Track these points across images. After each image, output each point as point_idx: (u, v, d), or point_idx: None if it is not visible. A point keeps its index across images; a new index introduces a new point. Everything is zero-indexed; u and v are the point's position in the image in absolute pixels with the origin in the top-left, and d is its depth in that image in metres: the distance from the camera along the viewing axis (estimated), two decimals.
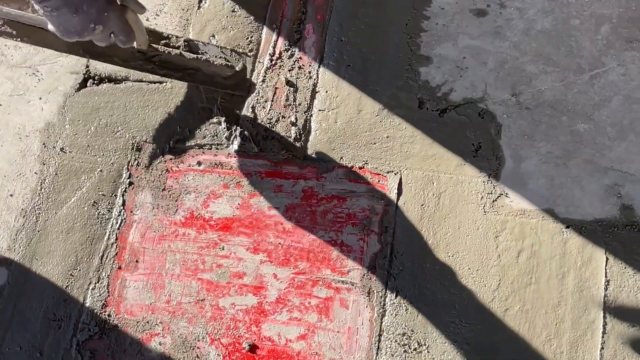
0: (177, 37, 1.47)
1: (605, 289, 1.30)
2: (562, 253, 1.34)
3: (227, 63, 1.49)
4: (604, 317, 1.29)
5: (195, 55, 1.46)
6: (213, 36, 1.61)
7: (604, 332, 1.28)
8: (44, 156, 1.53)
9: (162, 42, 1.46)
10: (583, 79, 1.46)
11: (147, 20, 1.63)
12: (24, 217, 1.48)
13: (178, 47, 1.46)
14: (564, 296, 1.31)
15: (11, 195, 1.50)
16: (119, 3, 1.24)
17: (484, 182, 1.41)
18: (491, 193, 1.40)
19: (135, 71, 1.52)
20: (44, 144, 1.53)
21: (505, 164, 1.42)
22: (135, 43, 1.33)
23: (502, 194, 1.40)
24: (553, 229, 1.36)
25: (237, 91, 1.54)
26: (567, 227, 1.36)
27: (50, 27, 1.17)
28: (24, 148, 1.54)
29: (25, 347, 1.38)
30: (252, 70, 1.57)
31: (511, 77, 1.49)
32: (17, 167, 1.52)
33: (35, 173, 1.51)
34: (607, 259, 1.32)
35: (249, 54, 1.58)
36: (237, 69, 1.50)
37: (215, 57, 1.48)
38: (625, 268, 1.31)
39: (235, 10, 1.63)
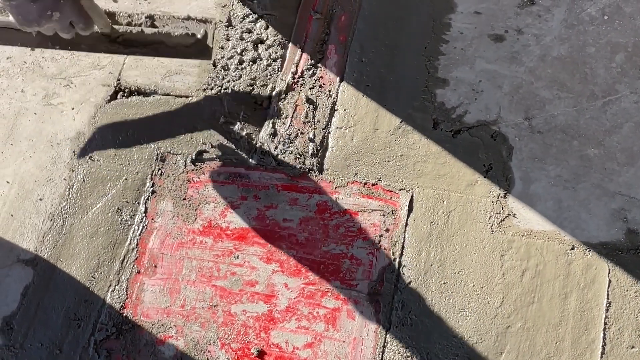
0: (138, 14, 1.63)
1: (607, 310, 1.42)
2: (565, 274, 1.46)
3: (188, 32, 1.61)
4: (604, 337, 1.40)
5: (155, 30, 1.61)
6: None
7: (602, 353, 1.39)
8: (73, 163, 1.71)
9: (125, 22, 1.63)
10: (596, 105, 1.60)
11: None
12: (51, 220, 1.66)
13: (140, 25, 1.62)
14: (566, 316, 1.43)
15: (40, 200, 1.68)
16: None
17: (493, 202, 1.55)
18: (499, 213, 1.54)
19: (163, 85, 1.71)
20: (74, 151, 1.72)
21: (514, 185, 1.56)
22: (96, 27, 1.49)
23: (510, 214, 1.53)
24: (558, 250, 1.48)
25: (200, 58, 1.67)
26: (572, 248, 1.48)
27: (11, 18, 1.31)
28: (54, 155, 1.73)
29: (46, 344, 1.54)
30: (214, 37, 1.67)
31: (525, 101, 1.63)
32: (47, 173, 1.71)
33: (64, 179, 1.70)
34: (609, 281, 1.44)
35: (210, 20, 1.67)
36: (198, 36, 1.63)
37: (177, 27, 1.63)
38: (627, 291, 1.43)
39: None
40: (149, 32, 1.61)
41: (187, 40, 1.63)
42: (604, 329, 1.40)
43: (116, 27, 1.60)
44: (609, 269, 1.44)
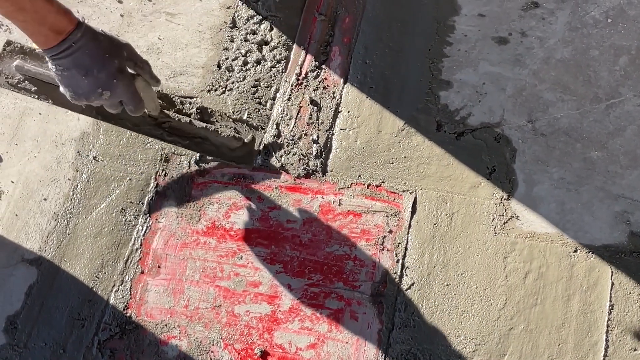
0: (190, 102, 1.63)
1: (609, 313, 1.43)
2: (568, 276, 1.47)
3: (236, 135, 1.61)
4: (607, 340, 1.41)
5: (204, 125, 1.59)
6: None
7: (605, 355, 1.40)
8: (77, 163, 1.72)
9: (176, 108, 1.61)
10: (599, 108, 1.61)
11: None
12: (55, 220, 1.67)
13: (190, 115, 1.61)
14: (568, 318, 1.44)
15: (45, 200, 1.69)
16: (130, 72, 1.34)
17: (496, 204, 1.56)
18: (502, 215, 1.55)
19: (168, 86, 1.72)
20: (78, 152, 1.73)
21: (518, 187, 1.57)
22: (145, 110, 1.45)
23: (513, 217, 1.54)
24: (561, 252, 1.49)
25: (242, 164, 1.65)
26: (575, 251, 1.49)
27: (61, 88, 1.26)
28: (59, 155, 1.74)
29: (50, 344, 1.55)
30: (260, 143, 1.68)
31: (529, 104, 1.64)
32: (52, 173, 1.72)
33: (69, 179, 1.71)
34: (612, 283, 1.45)
35: (260, 128, 1.68)
36: (245, 140, 1.64)
37: (226, 127, 1.62)
38: (630, 293, 1.44)
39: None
40: (198, 126, 1.59)
41: (233, 143, 1.62)
42: (607, 332, 1.41)
43: (166, 112, 1.57)
44: (612, 272, 1.45)
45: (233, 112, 1.70)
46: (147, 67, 1.37)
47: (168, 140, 1.59)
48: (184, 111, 1.62)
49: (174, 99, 1.64)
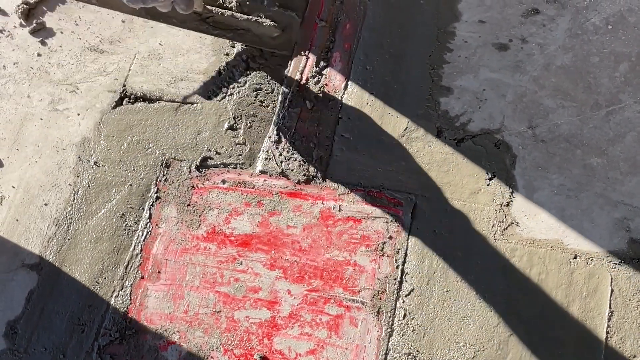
0: None
1: (609, 320, 1.44)
2: (568, 283, 1.48)
3: (275, 24, 1.74)
4: (606, 346, 1.42)
5: (245, 17, 1.73)
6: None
7: None
8: (78, 169, 1.73)
9: (217, 3, 1.75)
10: (599, 115, 1.62)
11: None
12: (56, 225, 1.68)
13: (230, 8, 1.75)
14: (568, 325, 1.45)
15: (45, 205, 1.71)
16: None
17: (496, 210, 1.56)
18: (502, 221, 1.55)
19: (169, 91, 1.74)
20: (79, 157, 1.74)
21: (517, 193, 1.57)
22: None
23: (512, 223, 1.55)
24: (561, 258, 1.50)
25: (283, 50, 1.78)
26: (575, 257, 1.50)
27: None
28: (60, 160, 1.75)
29: (50, 349, 1.56)
30: (298, 31, 1.78)
31: (529, 110, 1.65)
32: (52, 179, 1.73)
33: (69, 185, 1.72)
34: (612, 290, 1.46)
35: (296, 15, 1.81)
36: (282, 28, 1.75)
37: (265, 16, 1.75)
38: (629, 300, 1.44)
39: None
40: (240, 18, 1.74)
41: (272, 31, 1.76)
42: (606, 338, 1.41)
43: (209, 7, 1.73)
44: (612, 278, 1.46)
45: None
46: None
47: (214, 34, 1.75)
48: (224, 5, 1.77)
49: None
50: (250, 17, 1.74)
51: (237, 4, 1.77)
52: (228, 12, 1.74)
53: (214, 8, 1.73)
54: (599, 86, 1.63)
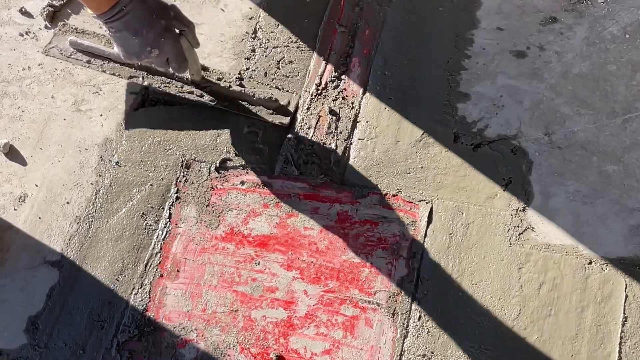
0: (230, 74, 1.77)
1: (623, 325, 1.46)
2: (583, 288, 1.50)
3: (272, 97, 1.74)
4: (620, 352, 1.43)
5: (241, 89, 1.73)
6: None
7: None
8: (100, 168, 1.77)
9: (216, 77, 1.77)
10: (616, 122, 1.64)
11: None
12: (77, 223, 1.72)
13: (230, 82, 1.75)
14: (582, 329, 1.47)
15: (68, 203, 1.74)
16: (176, 32, 1.49)
17: (511, 215, 1.59)
18: (518, 226, 1.58)
19: (189, 95, 1.79)
20: (101, 157, 1.78)
21: (533, 199, 1.60)
22: (188, 72, 1.61)
23: (528, 228, 1.57)
24: (576, 264, 1.52)
25: (279, 120, 1.75)
26: (590, 263, 1.52)
27: (115, 48, 1.44)
28: (82, 160, 1.79)
29: (70, 344, 1.59)
30: (296, 108, 1.78)
31: (545, 117, 1.68)
32: (75, 178, 1.77)
33: (91, 184, 1.76)
34: (626, 296, 1.48)
35: (295, 93, 1.79)
36: (281, 102, 1.74)
37: (262, 92, 1.74)
38: None
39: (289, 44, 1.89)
40: (235, 89, 1.75)
41: (269, 104, 1.75)
42: (620, 343, 1.43)
43: (207, 78, 1.75)
44: (626, 284, 1.48)
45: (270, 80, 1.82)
46: (192, 27, 1.54)
47: (209, 101, 1.75)
48: (223, 79, 1.78)
49: (212, 70, 1.80)
50: (247, 89, 1.75)
51: (237, 79, 1.79)
52: (225, 84, 1.77)
53: (212, 78, 1.77)
54: (616, 94, 1.66)
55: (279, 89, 1.79)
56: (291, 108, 1.77)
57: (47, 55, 1.88)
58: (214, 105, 1.74)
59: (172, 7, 1.46)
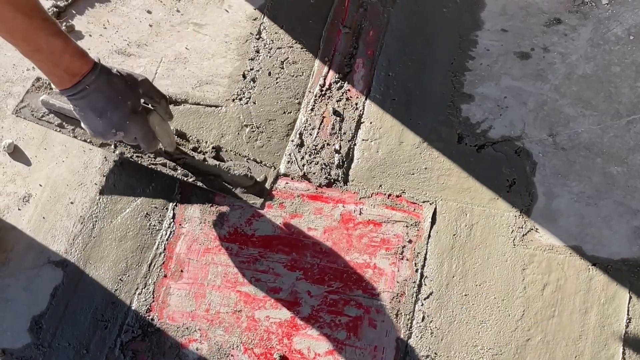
0: (206, 142, 1.72)
1: (627, 326, 1.46)
2: (586, 289, 1.50)
3: (248, 174, 1.65)
4: (623, 353, 1.44)
5: (217, 163, 1.65)
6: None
7: None
8: (104, 169, 1.78)
9: (191, 146, 1.71)
10: (620, 124, 1.64)
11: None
12: (81, 223, 1.72)
13: (205, 153, 1.69)
14: (585, 330, 1.47)
15: (72, 203, 1.75)
16: (145, 108, 1.41)
17: (515, 216, 1.59)
18: (522, 227, 1.58)
19: (194, 94, 1.79)
20: (105, 157, 1.79)
21: (537, 200, 1.60)
22: (161, 145, 1.53)
23: (532, 229, 1.58)
24: (579, 265, 1.52)
25: (254, 203, 1.68)
26: (594, 264, 1.52)
27: (82, 124, 1.35)
28: (86, 160, 1.79)
29: (73, 344, 1.60)
30: (273, 183, 1.71)
31: (549, 118, 1.68)
32: (79, 178, 1.78)
33: (95, 184, 1.76)
34: (630, 297, 1.48)
35: (272, 167, 1.72)
36: (257, 179, 1.67)
37: (239, 166, 1.67)
38: None
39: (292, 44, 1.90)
40: (210, 164, 1.66)
41: (245, 181, 1.67)
42: (624, 345, 1.43)
43: (181, 149, 1.68)
44: (630, 285, 1.48)
45: (248, 143, 1.76)
46: (164, 103, 1.44)
47: (180, 174, 1.66)
48: (199, 149, 1.71)
49: (189, 137, 1.74)
50: (222, 164, 1.66)
51: (213, 150, 1.70)
52: (200, 156, 1.67)
53: (186, 150, 1.68)
54: (620, 95, 1.66)
55: (257, 162, 1.73)
56: (267, 185, 1.70)
57: (17, 116, 1.74)
58: (185, 180, 1.67)
59: (142, 83, 1.36)
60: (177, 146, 1.67)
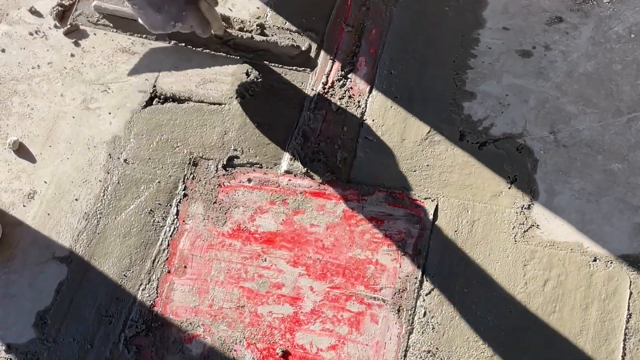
0: (250, 21, 1.85)
1: (627, 322, 1.47)
2: (587, 285, 1.51)
3: (294, 44, 1.82)
4: (624, 348, 1.45)
5: (264, 38, 1.81)
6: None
7: None
8: (108, 166, 1.79)
9: (238, 27, 1.85)
10: (621, 121, 1.65)
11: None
12: (86, 220, 1.74)
13: (251, 31, 1.83)
14: (586, 326, 1.48)
15: (76, 200, 1.77)
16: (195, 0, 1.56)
17: (516, 212, 1.60)
18: (523, 224, 1.59)
19: (197, 92, 1.81)
20: (109, 154, 1.80)
21: (538, 197, 1.61)
22: (212, 30, 1.69)
23: (533, 225, 1.59)
24: (580, 261, 1.54)
25: (303, 67, 1.84)
26: (594, 260, 1.53)
27: (140, 21, 1.52)
28: (91, 157, 1.81)
29: (78, 339, 1.61)
30: (318, 50, 1.87)
31: (551, 116, 1.69)
32: (83, 175, 1.79)
33: (100, 181, 1.78)
34: (630, 293, 1.49)
35: (317, 32, 1.88)
36: (302, 48, 1.83)
37: (284, 38, 1.83)
38: None
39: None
40: (258, 40, 1.83)
41: (291, 51, 1.84)
42: (624, 340, 1.44)
43: (229, 30, 1.83)
44: (631, 281, 1.49)
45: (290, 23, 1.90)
46: None
47: (234, 55, 1.84)
48: (244, 29, 1.86)
49: (233, 19, 1.89)
50: (268, 38, 1.83)
51: (258, 27, 1.86)
52: (247, 35, 1.83)
53: (234, 31, 1.83)
54: (621, 93, 1.67)
55: (299, 33, 1.88)
56: (312, 53, 1.85)
57: (74, 23, 1.93)
58: (238, 58, 1.84)
59: None
60: (225, 29, 1.82)
